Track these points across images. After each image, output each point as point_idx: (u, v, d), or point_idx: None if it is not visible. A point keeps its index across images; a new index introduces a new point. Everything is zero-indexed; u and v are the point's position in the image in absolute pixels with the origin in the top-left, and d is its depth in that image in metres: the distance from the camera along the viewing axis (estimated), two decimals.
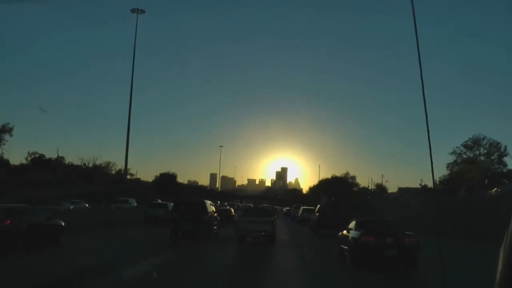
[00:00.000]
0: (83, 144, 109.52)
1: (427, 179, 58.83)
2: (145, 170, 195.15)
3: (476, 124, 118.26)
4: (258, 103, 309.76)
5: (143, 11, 34.10)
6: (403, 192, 61.25)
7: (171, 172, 66.76)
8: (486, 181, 40.29)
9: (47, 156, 56.66)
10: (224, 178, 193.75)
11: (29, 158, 55.78)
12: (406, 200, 40.72)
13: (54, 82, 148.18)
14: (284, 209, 64.94)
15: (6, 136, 41.57)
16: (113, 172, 62.86)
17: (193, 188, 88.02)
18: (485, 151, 44.61)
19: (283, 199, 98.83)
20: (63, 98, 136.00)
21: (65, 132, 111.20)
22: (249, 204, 51.91)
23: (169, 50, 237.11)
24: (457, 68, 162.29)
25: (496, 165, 44.65)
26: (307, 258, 13.10)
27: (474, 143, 44.90)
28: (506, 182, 41.78)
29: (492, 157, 44.48)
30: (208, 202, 19.75)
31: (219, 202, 57.59)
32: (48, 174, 46.95)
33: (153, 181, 67.75)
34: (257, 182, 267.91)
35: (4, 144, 41.90)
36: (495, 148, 44.45)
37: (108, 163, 63.49)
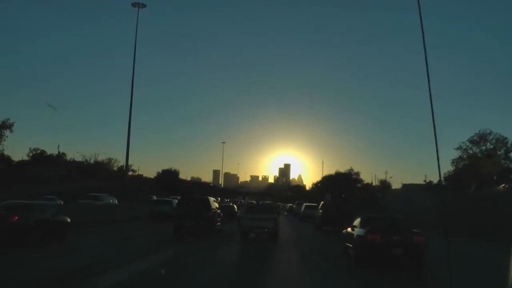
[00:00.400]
0: (85, 141, 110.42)
1: (432, 175, 58.66)
2: (148, 167, 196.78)
3: (483, 119, 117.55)
4: (261, 99, 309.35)
5: (144, 5, 33.79)
6: (407, 188, 60.91)
7: (173, 169, 66.83)
8: (495, 177, 39.78)
9: (48, 153, 57.02)
10: (227, 174, 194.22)
11: (30, 154, 56.08)
12: (410, 196, 40.47)
13: (56, 79, 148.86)
14: (287, 206, 64.86)
15: (7, 132, 41.57)
16: (115, 168, 62.87)
17: (196, 184, 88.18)
18: (492, 146, 44.00)
19: (286, 196, 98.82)
20: (65, 95, 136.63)
21: (67, 128, 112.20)
22: (252, 201, 51.90)
23: (172, 46, 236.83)
24: (463, 63, 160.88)
25: (503, 161, 44.06)
26: (310, 256, 13.00)
27: (480, 138, 44.28)
28: None
29: (499, 153, 43.86)
30: (212, 199, 19.78)
31: (219, 198, 57.68)
32: (48, 171, 47.06)
33: (155, 177, 67.81)
34: (260, 179, 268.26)
35: (4, 140, 41.94)
36: (502, 143, 43.82)
37: (110, 160, 63.55)
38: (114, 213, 25.71)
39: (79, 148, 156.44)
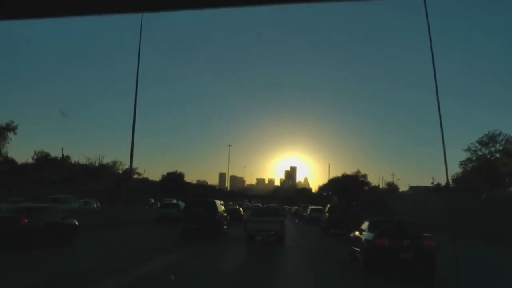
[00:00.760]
0: (90, 144, 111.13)
1: (439, 177, 57.89)
2: (154, 170, 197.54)
3: (491, 121, 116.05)
4: (267, 102, 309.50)
5: None
6: (415, 190, 60.36)
7: (178, 172, 66.75)
8: (507, 179, 38.97)
9: (53, 155, 57.42)
10: (233, 177, 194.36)
11: (35, 157, 56.59)
12: (417, 198, 39.91)
13: (60, 81, 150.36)
14: (292, 209, 64.64)
15: (10, 134, 41.92)
16: (119, 171, 62.94)
17: (202, 187, 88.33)
18: (501, 147, 43.19)
19: (292, 199, 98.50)
20: (69, 97, 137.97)
21: (72, 131, 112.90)
22: (258, 204, 51.84)
23: (177, 47, 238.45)
24: (471, 64, 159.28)
25: None
26: (316, 260, 12.90)
27: (489, 140, 43.49)
28: None
29: None
30: (218, 202, 19.86)
31: (222, 201, 57.45)
32: (53, 173, 47.43)
33: (160, 180, 67.88)
34: (266, 182, 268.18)
35: (8, 143, 42.31)
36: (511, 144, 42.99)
37: (114, 162, 63.79)
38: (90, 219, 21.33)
39: (83, 151, 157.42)
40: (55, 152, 61.60)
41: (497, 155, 42.56)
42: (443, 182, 51.16)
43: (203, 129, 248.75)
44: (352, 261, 11.38)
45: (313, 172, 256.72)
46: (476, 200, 27.38)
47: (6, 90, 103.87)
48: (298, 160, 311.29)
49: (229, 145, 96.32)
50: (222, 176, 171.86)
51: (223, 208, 20.57)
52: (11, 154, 46.04)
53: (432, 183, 60.48)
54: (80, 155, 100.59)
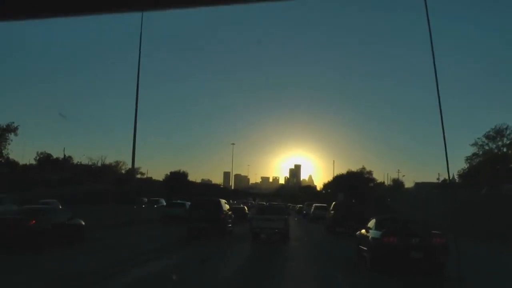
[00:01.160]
0: (92, 144, 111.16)
1: (445, 173, 57.46)
2: (158, 169, 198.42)
3: (499, 115, 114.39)
4: (270, 100, 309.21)
5: None
6: (420, 187, 59.95)
7: (181, 171, 66.33)
8: None
9: (54, 156, 57.40)
10: (237, 176, 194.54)
11: (37, 158, 56.66)
12: (419, 194, 39.49)
13: (62, 82, 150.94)
14: (296, 207, 64.48)
15: (11, 136, 41.79)
16: (122, 171, 62.49)
17: (206, 186, 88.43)
18: (508, 141, 42.53)
19: (297, 197, 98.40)
20: (71, 98, 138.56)
21: (73, 131, 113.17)
22: (263, 202, 51.89)
23: (180, 47, 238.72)
24: (476, 58, 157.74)
25: None
26: (321, 259, 12.80)
27: (497, 134, 42.89)
28: None
29: None
30: (223, 201, 19.91)
31: (226, 200, 57.36)
32: (55, 174, 47.43)
33: (163, 179, 67.69)
34: (270, 180, 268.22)
35: (9, 144, 42.27)
36: None
37: (117, 162, 63.39)
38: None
39: (86, 151, 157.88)
40: (56, 153, 61.79)
41: (504, 149, 41.90)
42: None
43: (207, 128, 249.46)
44: (359, 260, 11.20)
45: (318, 170, 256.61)
46: (476, 195, 27.09)
47: (7, 91, 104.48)
48: (302, 158, 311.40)
49: (233, 143, 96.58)
50: (226, 174, 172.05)
51: (227, 207, 20.60)
52: (12, 156, 46.02)
53: (438, 179, 60.08)
54: (82, 156, 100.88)
